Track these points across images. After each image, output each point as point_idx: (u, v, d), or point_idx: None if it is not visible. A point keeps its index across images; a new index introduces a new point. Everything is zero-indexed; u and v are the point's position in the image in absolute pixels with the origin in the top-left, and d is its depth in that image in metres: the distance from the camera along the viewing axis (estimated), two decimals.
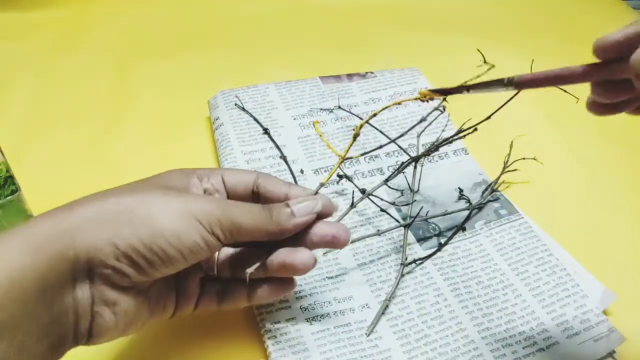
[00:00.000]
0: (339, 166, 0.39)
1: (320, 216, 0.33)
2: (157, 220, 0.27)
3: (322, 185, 0.37)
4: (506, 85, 0.29)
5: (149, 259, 0.27)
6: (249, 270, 0.32)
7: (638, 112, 0.30)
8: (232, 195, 0.34)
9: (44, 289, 0.25)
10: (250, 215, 0.30)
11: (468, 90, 0.31)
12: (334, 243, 0.33)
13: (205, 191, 0.33)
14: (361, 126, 0.37)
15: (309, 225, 0.33)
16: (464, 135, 0.46)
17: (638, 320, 0.39)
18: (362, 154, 0.48)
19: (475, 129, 0.44)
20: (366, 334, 0.36)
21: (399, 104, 0.32)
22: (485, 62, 0.35)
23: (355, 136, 0.37)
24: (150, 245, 0.27)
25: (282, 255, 0.32)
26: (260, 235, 0.31)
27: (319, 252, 0.41)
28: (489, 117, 0.44)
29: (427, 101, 0.33)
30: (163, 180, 0.31)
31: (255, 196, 0.34)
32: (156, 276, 0.28)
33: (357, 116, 0.52)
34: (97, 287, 0.27)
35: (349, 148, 0.38)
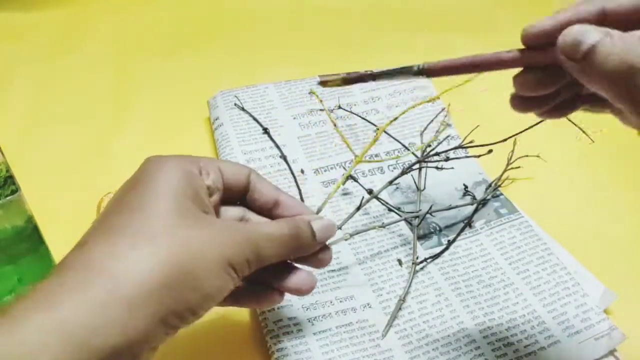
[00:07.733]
0: (347, 176, 0.39)
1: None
2: (204, 286, 0.26)
3: (328, 198, 0.38)
4: (417, 74, 0.27)
5: (190, 320, 0.26)
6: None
7: (553, 115, 0.29)
8: (227, 191, 0.33)
9: None
10: (276, 246, 0.30)
11: (374, 79, 0.28)
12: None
13: (208, 188, 0.31)
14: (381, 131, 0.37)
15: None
16: (479, 156, 0.45)
17: (638, 319, 0.39)
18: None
19: (490, 151, 0.44)
20: (383, 334, 0.37)
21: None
22: None
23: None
24: (196, 310, 0.26)
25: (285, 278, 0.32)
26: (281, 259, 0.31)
27: None
28: (505, 140, 0.44)
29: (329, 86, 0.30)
30: (170, 186, 0.28)
31: (244, 192, 0.33)
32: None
33: (358, 115, 0.52)
34: None
35: (366, 150, 0.39)
